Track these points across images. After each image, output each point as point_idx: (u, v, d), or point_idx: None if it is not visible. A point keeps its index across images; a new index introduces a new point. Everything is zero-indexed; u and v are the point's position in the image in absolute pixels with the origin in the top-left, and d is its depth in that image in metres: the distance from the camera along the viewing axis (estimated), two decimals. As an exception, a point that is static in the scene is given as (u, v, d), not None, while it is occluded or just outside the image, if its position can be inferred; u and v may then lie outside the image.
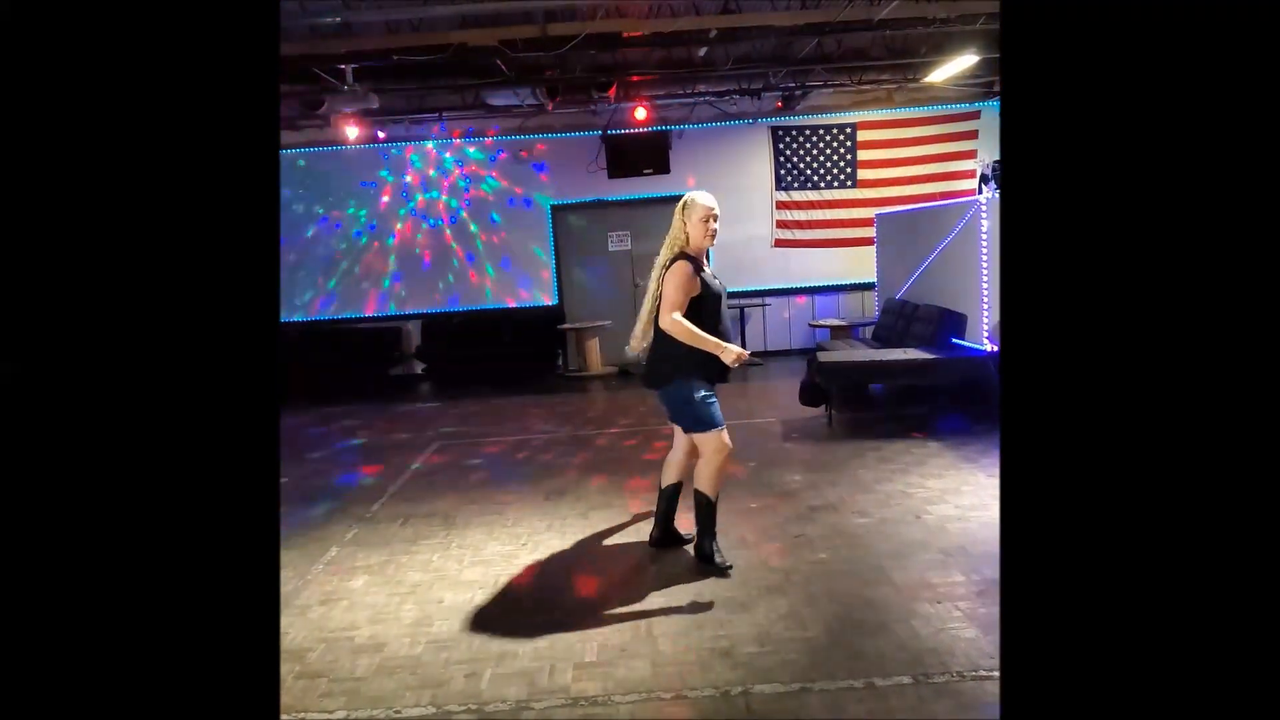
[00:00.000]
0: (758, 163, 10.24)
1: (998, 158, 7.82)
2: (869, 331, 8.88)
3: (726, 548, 3.96)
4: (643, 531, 4.28)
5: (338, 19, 6.23)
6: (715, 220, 3.69)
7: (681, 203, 3.69)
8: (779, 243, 10.31)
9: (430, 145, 10.21)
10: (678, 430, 3.94)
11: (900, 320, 7.74)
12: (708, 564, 3.79)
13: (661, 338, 3.66)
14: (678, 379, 3.67)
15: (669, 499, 4.06)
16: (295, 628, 3.46)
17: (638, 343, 3.84)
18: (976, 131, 10.10)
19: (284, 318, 10.29)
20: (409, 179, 10.30)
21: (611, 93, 8.50)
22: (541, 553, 4.17)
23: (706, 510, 3.80)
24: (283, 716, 2.78)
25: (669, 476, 4.03)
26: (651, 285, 3.74)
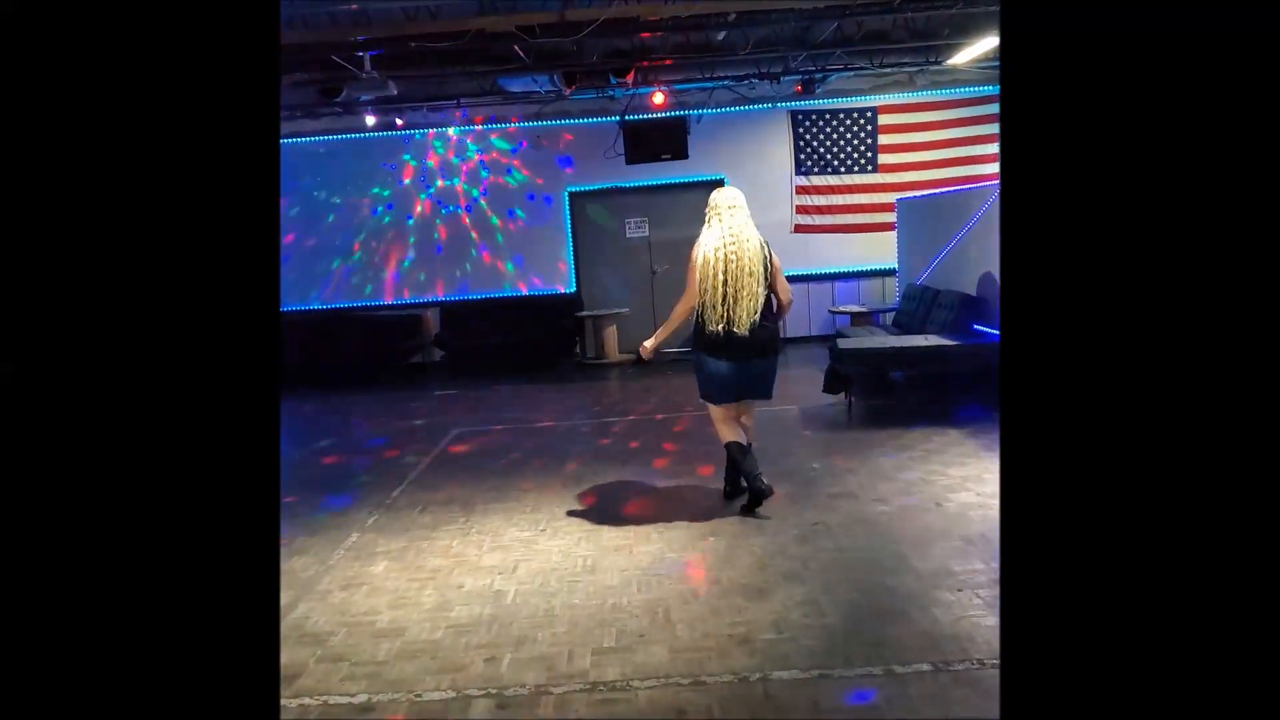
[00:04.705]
0: (777, 147, 10.16)
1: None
2: (889, 318, 8.82)
3: (745, 534, 3.99)
4: (660, 518, 4.31)
5: (355, 6, 6.23)
6: None
7: (742, 199, 4.46)
8: (799, 228, 10.23)
9: (448, 132, 10.21)
10: (723, 407, 4.38)
11: (921, 306, 7.67)
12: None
13: (768, 313, 4.25)
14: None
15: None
16: (317, 612, 3.49)
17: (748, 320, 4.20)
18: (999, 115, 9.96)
19: (303, 304, 10.36)
20: (427, 166, 10.30)
21: (629, 78, 8.45)
22: (560, 538, 4.18)
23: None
24: (305, 699, 2.81)
25: (741, 437, 4.41)
26: (752, 264, 4.22)
